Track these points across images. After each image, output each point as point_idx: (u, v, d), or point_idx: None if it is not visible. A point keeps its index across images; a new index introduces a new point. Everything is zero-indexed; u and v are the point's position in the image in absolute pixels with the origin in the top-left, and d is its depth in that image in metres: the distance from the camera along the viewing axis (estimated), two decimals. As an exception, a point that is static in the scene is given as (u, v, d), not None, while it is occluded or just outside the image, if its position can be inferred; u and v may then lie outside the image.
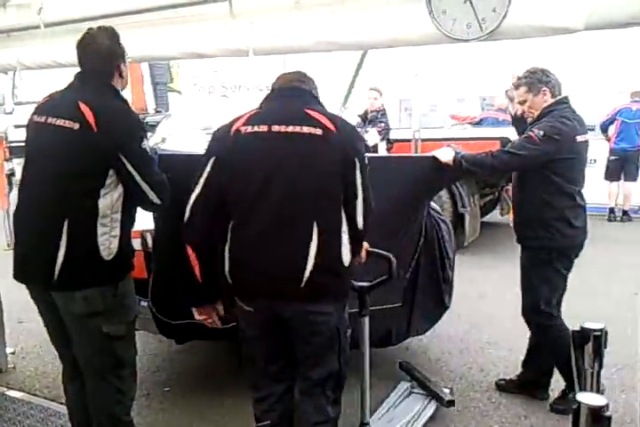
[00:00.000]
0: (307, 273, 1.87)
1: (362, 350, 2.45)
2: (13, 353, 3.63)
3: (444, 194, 6.04)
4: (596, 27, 2.23)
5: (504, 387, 3.17)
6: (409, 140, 6.49)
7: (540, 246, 2.78)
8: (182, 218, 2.02)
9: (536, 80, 2.76)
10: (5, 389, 3.21)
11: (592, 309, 4.29)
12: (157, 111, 11.04)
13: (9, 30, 3.34)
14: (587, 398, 1.43)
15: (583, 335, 1.79)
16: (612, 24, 2.19)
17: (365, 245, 2.21)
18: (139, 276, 2.41)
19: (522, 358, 3.14)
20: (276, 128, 1.93)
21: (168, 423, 2.94)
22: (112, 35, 2.23)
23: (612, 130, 7.82)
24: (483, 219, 6.70)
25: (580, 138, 2.72)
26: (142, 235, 2.77)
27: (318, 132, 1.91)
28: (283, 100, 2.07)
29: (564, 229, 2.74)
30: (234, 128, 1.98)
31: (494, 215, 7.02)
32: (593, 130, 8.13)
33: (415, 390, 3.00)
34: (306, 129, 1.91)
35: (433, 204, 3.52)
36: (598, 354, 1.77)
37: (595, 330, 1.79)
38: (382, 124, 5.88)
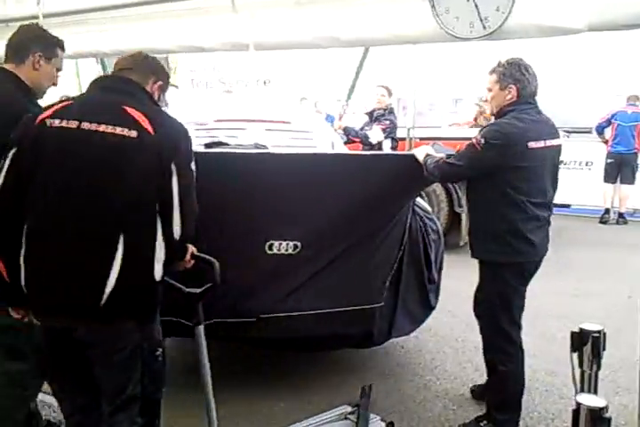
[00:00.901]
0: (107, 291, 1.69)
1: (201, 362, 2.20)
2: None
3: (440, 193, 6.04)
4: (599, 28, 2.22)
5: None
6: (404, 139, 6.49)
7: (492, 261, 2.60)
8: None
9: (509, 74, 2.49)
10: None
11: (586, 311, 4.31)
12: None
13: (8, 20, 3.32)
14: (586, 399, 1.43)
15: (582, 337, 1.78)
16: (615, 25, 2.19)
17: (191, 248, 1.99)
18: None
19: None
20: (86, 126, 1.71)
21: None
22: (32, 29, 2.21)
23: (608, 133, 7.84)
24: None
25: (532, 144, 2.43)
26: None
27: (133, 134, 1.71)
28: (101, 93, 1.85)
29: (517, 244, 2.51)
30: (39, 118, 1.75)
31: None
32: (590, 132, 8.17)
33: (350, 417, 2.77)
34: (119, 130, 1.71)
35: (423, 202, 3.45)
36: (596, 356, 1.77)
37: (593, 331, 1.79)
38: (387, 122, 5.84)
